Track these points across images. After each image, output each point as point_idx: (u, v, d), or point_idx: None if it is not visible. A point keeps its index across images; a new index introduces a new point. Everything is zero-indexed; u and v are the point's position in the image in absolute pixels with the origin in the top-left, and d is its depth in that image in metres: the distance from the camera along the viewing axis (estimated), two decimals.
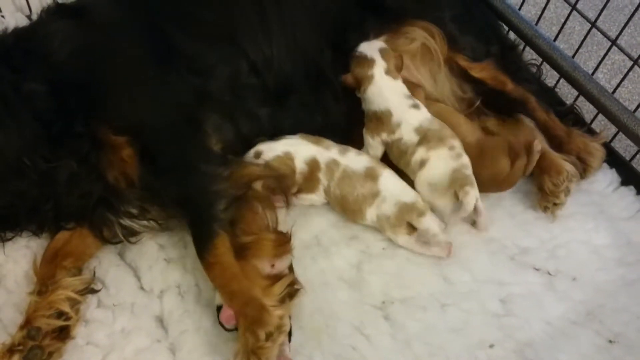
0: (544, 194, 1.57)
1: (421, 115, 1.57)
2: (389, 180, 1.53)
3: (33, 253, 1.46)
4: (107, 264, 1.48)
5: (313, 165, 1.54)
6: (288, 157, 1.53)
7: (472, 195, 1.48)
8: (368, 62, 1.58)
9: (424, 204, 1.50)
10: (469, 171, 1.51)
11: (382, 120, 1.57)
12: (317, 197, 1.57)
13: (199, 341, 1.36)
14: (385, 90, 1.58)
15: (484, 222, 1.53)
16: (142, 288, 1.45)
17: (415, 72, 1.71)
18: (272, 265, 1.38)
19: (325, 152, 1.55)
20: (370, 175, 1.51)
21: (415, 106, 1.58)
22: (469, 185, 1.49)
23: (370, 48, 1.60)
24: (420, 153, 1.52)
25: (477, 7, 1.79)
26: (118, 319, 1.39)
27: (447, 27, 1.67)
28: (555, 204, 1.56)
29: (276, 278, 1.36)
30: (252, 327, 1.26)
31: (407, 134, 1.55)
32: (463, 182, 1.49)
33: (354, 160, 1.54)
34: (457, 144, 1.53)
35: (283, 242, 1.41)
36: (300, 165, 1.54)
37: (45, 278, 1.39)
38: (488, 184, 1.55)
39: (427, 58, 1.69)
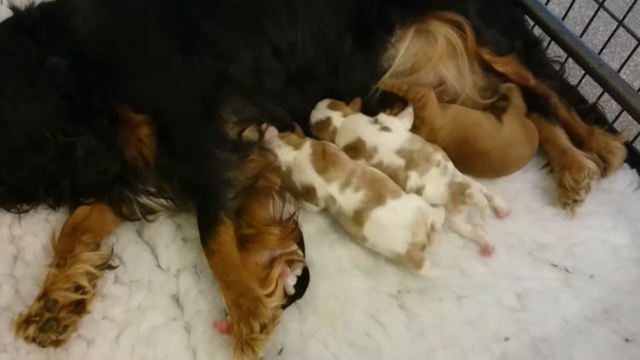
0: (564, 190, 1.57)
1: (398, 137, 1.57)
2: (376, 226, 1.43)
3: (52, 227, 1.47)
4: (125, 241, 1.49)
5: (310, 190, 1.51)
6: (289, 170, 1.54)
7: (476, 191, 1.49)
8: (324, 122, 1.60)
9: (420, 253, 1.41)
10: (458, 177, 1.51)
11: (356, 148, 1.57)
12: (317, 208, 1.55)
13: (213, 321, 1.36)
14: (348, 124, 1.59)
15: (501, 203, 1.54)
16: (159, 266, 1.46)
17: (441, 69, 1.69)
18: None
19: (326, 186, 1.49)
20: (357, 220, 1.44)
21: (386, 129, 1.58)
22: (467, 187, 1.49)
23: (320, 111, 1.62)
24: (414, 179, 1.51)
25: (502, 1, 1.78)
26: (134, 295, 1.40)
27: (472, 20, 1.65)
28: (575, 201, 1.55)
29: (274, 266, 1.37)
30: (247, 318, 1.26)
31: (386, 157, 1.54)
32: (461, 189, 1.49)
33: (348, 199, 1.46)
34: (439, 155, 1.53)
35: (287, 234, 1.41)
36: (297, 184, 1.53)
37: (64, 252, 1.40)
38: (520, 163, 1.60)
39: (453, 52, 1.68)
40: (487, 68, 1.69)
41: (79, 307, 1.35)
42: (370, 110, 1.65)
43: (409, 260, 1.42)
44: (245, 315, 1.27)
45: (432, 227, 1.45)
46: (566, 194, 1.57)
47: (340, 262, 1.48)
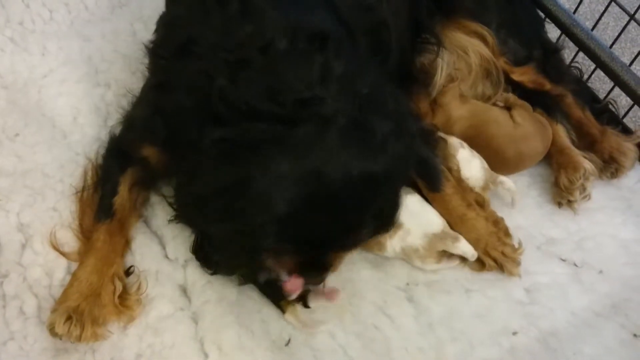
0: (559, 189, 1.57)
1: None
2: (410, 210, 1.41)
3: (60, 215, 1.46)
4: (133, 231, 1.47)
5: None
6: None
7: (507, 179, 1.51)
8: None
9: (452, 230, 1.44)
10: (485, 164, 1.53)
11: None
12: None
13: (221, 311, 1.36)
14: None
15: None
16: (166, 257, 1.44)
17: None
18: None
19: None
20: None
21: None
22: (497, 176, 1.51)
23: None
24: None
25: (521, 8, 1.75)
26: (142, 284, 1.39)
27: (493, 30, 1.65)
28: (569, 201, 1.55)
29: None
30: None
31: None
32: (492, 177, 1.52)
33: None
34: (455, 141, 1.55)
35: None
36: None
37: None
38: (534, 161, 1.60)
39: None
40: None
41: None
42: None
43: (446, 236, 1.41)
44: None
45: None
46: (560, 193, 1.56)
47: (349, 254, 1.47)
